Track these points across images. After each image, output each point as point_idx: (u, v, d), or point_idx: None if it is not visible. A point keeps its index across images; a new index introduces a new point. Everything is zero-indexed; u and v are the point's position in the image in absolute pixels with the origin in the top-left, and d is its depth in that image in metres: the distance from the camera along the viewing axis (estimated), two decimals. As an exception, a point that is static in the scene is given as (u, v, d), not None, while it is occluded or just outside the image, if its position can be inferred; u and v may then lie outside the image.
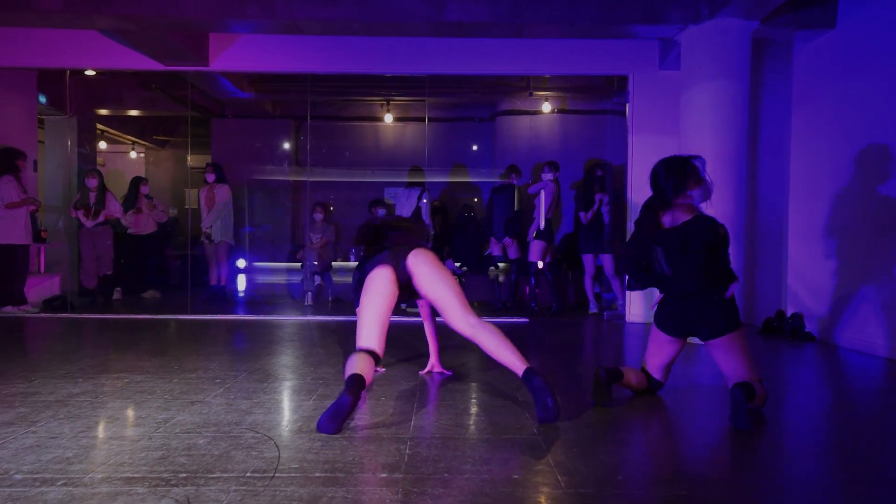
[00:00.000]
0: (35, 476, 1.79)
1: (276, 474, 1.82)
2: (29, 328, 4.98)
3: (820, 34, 4.63)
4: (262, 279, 7.78)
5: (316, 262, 7.17)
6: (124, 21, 4.54)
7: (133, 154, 10.20)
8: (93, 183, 6.46)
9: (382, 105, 7.96)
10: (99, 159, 9.75)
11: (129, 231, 7.00)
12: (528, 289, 6.29)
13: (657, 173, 2.66)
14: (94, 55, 5.58)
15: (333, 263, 7.43)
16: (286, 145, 8.34)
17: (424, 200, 6.87)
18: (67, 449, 2.02)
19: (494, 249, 6.63)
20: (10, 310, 5.72)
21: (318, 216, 7.48)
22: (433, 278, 2.60)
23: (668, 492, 1.76)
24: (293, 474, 1.83)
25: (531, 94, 7.16)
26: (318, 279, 7.25)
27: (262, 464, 1.91)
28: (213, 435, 2.18)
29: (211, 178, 7.05)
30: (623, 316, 5.75)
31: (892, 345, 3.87)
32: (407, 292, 2.71)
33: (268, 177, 7.79)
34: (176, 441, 2.11)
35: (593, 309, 6.19)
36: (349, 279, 7.88)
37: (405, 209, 7.15)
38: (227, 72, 5.84)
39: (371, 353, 2.45)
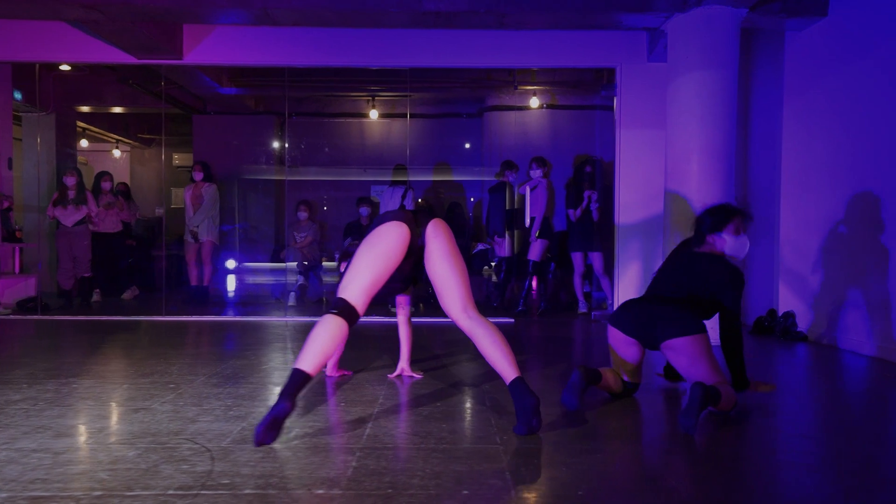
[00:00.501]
0: (-67, 495, 1.62)
1: (202, 491, 1.65)
2: (4, 329, 4.81)
3: (811, 22, 4.46)
4: (245, 279, 7.61)
5: (306, 262, 7.01)
6: (90, 11, 4.36)
7: (117, 153, 10.03)
8: (71, 181, 6.28)
9: (368, 101, 7.79)
10: (81, 158, 9.59)
11: (90, 229, 6.67)
12: (525, 287, 6.13)
13: (702, 212, 2.74)
14: (66, 48, 5.41)
15: (323, 263, 7.28)
16: (269, 142, 8.16)
17: (409, 200, 6.74)
18: (-19, 463, 1.85)
19: (499, 249, 6.44)
20: None
21: (303, 214, 7.32)
22: (447, 255, 2.31)
23: (632, 510, 1.59)
24: (220, 491, 1.66)
25: (516, 88, 6.98)
26: (300, 279, 7.08)
27: (190, 479, 1.74)
28: (146, 446, 2.01)
29: (199, 176, 6.88)
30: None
31: (883, 344, 3.70)
32: (410, 265, 2.43)
33: (251, 175, 7.62)
34: (104, 454, 1.94)
35: (583, 308, 6.03)
36: (335, 279, 7.74)
37: (389, 208, 7.03)
38: (201, 65, 5.66)
39: (348, 311, 2.15)
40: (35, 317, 5.56)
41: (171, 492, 1.65)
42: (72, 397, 2.64)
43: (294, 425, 2.25)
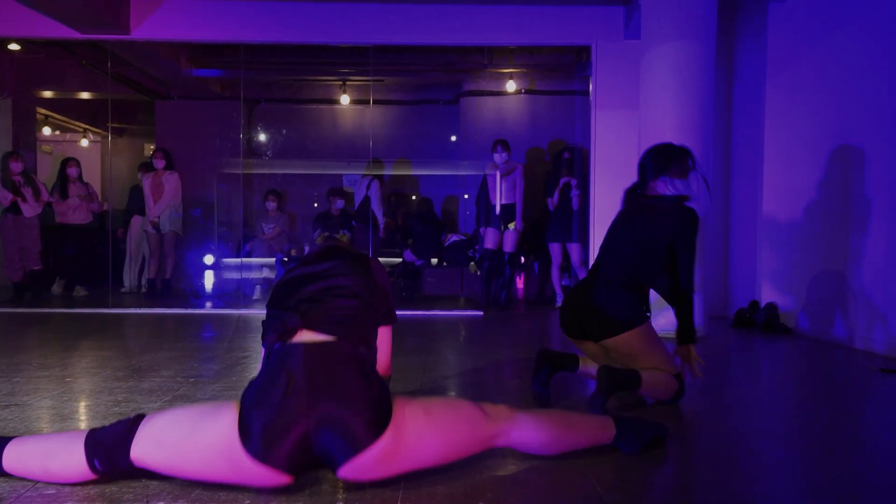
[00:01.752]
0: None
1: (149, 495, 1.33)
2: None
3: (795, -7, 4.15)
4: (212, 271, 7.27)
5: (286, 258, 6.70)
6: (16, -25, 4.03)
7: (85, 142, 9.67)
8: (17, 167, 5.95)
9: (340, 86, 7.46)
10: (45, 147, 9.24)
11: (56, 220, 6.23)
12: (502, 280, 5.82)
13: (642, 156, 2.44)
14: (3, 22, 5.07)
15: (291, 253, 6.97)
16: (237, 129, 7.82)
17: (372, 189, 6.48)
18: None
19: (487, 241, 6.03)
20: None
21: (271, 205, 7.01)
22: None
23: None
24: (175, 499, 1.34)
25: (488, 69, 6.64)
26: (265, 271, 6.76)
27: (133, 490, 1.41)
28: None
29: (160, 164, 6.54)
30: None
31: (865, 335, 3.39)
32: None
33: (217, 164, 7.27)
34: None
35: (560, 301, 5.72)
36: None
37: (359, 197, 6.77)
38: (150, 41, 5.32)
39: None
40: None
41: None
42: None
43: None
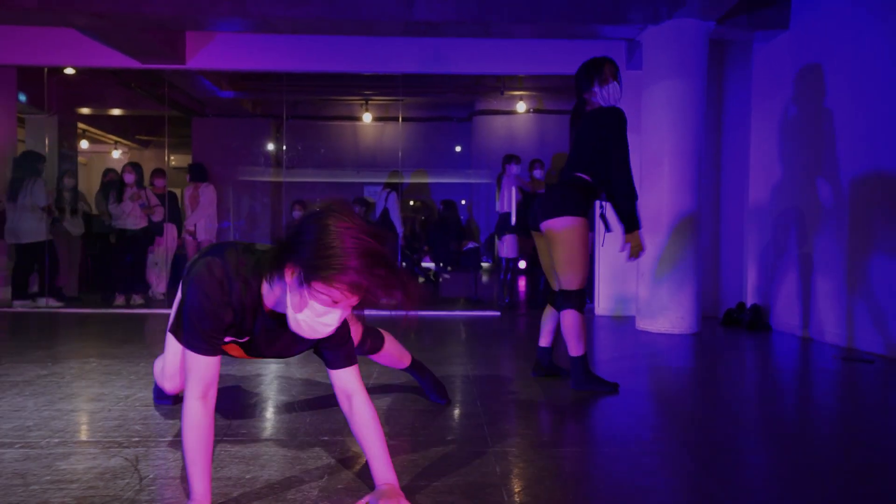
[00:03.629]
0: (-6, 440, 1.89)
1: (224, 438, 1.93)
2: (5, 321, 5.03)
3: (776, 34, 4.80)
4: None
5: None
6: (98, 19, 4.62)
7: (116, 154, 10.24)
8: (130, 178, 6.17)
9: (362, 105, 8.08)
10: (81, 159, 9.80)
11: (113, 224, 6.21)
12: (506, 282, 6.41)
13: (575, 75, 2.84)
14: (73, 53, 5.66)
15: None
16: (266, 144, 8.43)
17: (391, 201, 7.05)
18: (28, 419, 2.12)
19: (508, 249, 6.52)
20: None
21: (297, 214, 7.60)
22: None
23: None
24: (240, 438, 1.94)
25: (503, 94, 7.29)
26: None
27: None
28: (170, 409, 2.29)
29: (195, 178, 7.14)
30: (592, 309, 5.90)
31: (840, 332, 4.03)
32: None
33: (248, 176, 7.87)
34: (133, 413, 2.22)
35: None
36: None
37: (379, 209, 7.35)
38: (203, 70, 5.92)
39: None
40: (41, 309, 5.78)
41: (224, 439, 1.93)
42: (94, 373, 2.91)
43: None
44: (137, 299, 6.16)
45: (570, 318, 2.65)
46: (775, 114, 4.87)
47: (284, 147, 7.71)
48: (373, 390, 2.57)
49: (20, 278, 5.98)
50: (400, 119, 6.35)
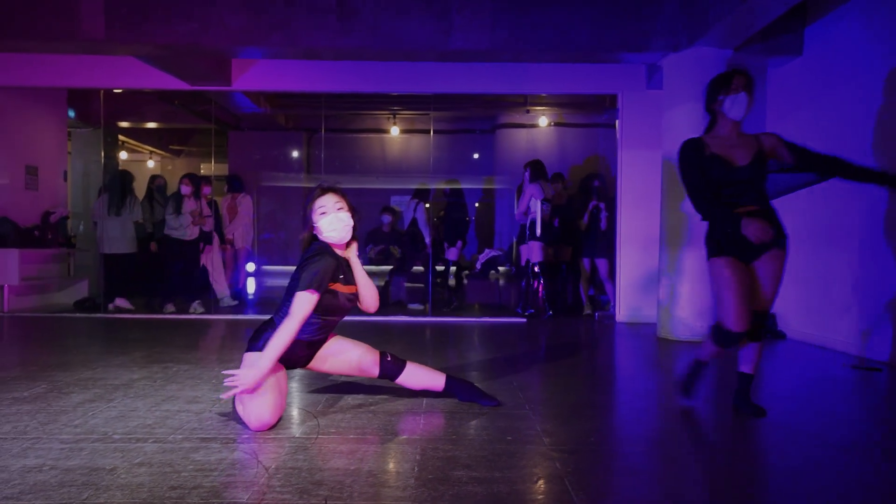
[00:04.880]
0: (129, 436, 2.26)
1: (321, 436, 2.29)
2: (67, 326, 5.45)
3: (789, 60, 5.10)
4: (276, 282, 8.22)
5: None
6: (160, 49, 5.02)
7: (151, 163, 10.69)
8: (187, 189, 6.32)
9: (389, 118, 8.45)
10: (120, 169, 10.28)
11: (169, 233, 6.32)
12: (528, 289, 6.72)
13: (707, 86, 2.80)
14: (126, 76, 6.07)
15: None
16: (298, 155, 8.83)
17: (420, 211, 7.39)
18: (147, 418, 2.49)
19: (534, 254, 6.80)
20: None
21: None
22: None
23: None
24: (333, 436, 2.30)
25: (528, 111, 7.64)
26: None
27: (308, 428, 2.38)
28: (261, 409, 2.65)
29: (234, 188, 7.52)
30: (613, 316, 6.22)
31: (851, 340, 4.33)
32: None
33: (281, 184, 8.28)
34: (233, 413, 2.58)
35: (588, 311, 6.65)
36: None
37: (408, 218, 7.69)
38: (247, 91, 6.32)
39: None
40: (96, 315, 6.20)
41: (297, 435, 2.29)
42: (180, 377, 3.28)
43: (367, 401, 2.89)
44: (198, 307, 6.28)
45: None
46: (788, 135, 5.16)
47: (316, 158, 8.06)
48: (426, 395, 2.92)
49: (116, 284, 6.44)
50: (431, 132, 6.71)
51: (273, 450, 2.14)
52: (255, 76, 6.09)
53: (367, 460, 2.05)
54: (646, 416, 2.78)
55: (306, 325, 2.44)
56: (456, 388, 2.78)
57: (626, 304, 6.07)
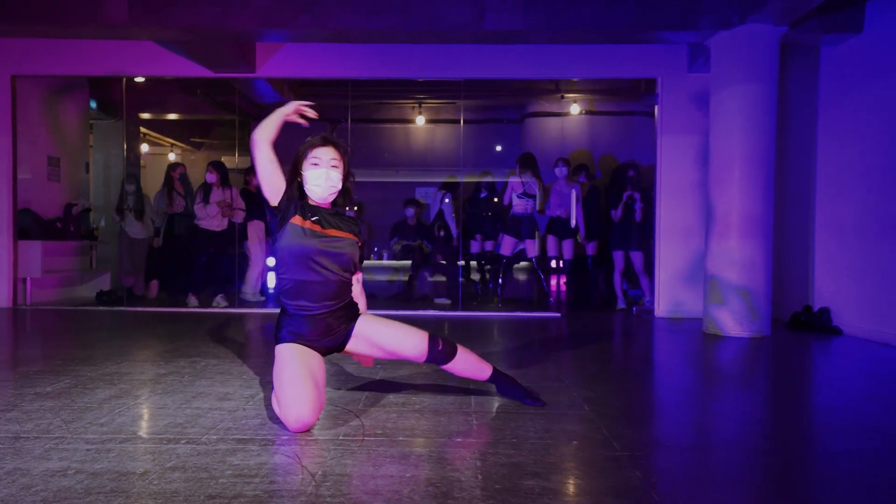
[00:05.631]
0: (159, 436, 2.07)
1: (367, 438, 2.09)
2: (89, 319, 5.32)
3: (846, 38, 4.78)
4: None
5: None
6: (184, 33, 4.84)
7: (172, 156, 10.59)
8: (212, 177, 6.16)
9: (414, 108, 8.22)
10: (141, 161, 10.19)
11: (198, 224, 6.13)
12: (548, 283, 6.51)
13: None
14: (148, 64, 5.92)
15: (365, 261, 7.69)
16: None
17: (447, 201, 7.18)
18: (177, 417, 2.30)
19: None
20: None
21: (350, 214, 7.77)
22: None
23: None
24: (380, 438, 2.09)
25: (563, 98, 7.36)
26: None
27: (351, 429, 2.17)
28: (298, 407, 2.45)
29: (256, 181, 7.34)
30: (652, 311, 5.95)
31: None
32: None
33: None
34: (267, 412, 2.39)
35: (621, 305, 6.39)
36: (381, 277, 8.18)
37: (434, 210, 7.49)
38: (272, 78, 6.13)
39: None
40: (118, 308, 6.08)
41: (341, 437, 2.08)
42: (208, 372, 3.10)
43: (399, 394, 2.68)
44: (221, 301, 6.09)
45: None
46: (845, 118, 4.86)
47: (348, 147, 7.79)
48: (472, 391, 2.70)
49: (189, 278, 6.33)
50: (461, 121, 6.48)
51: (317, 453, 1.94)
52: (279, 62, 5.90)
53: (422, 466, 1.84)
54: (720, 419, 2.54)
55: (287, 290, 2.30)
56: (500, 381, 2.55)
57: (666, 298, 5.80)
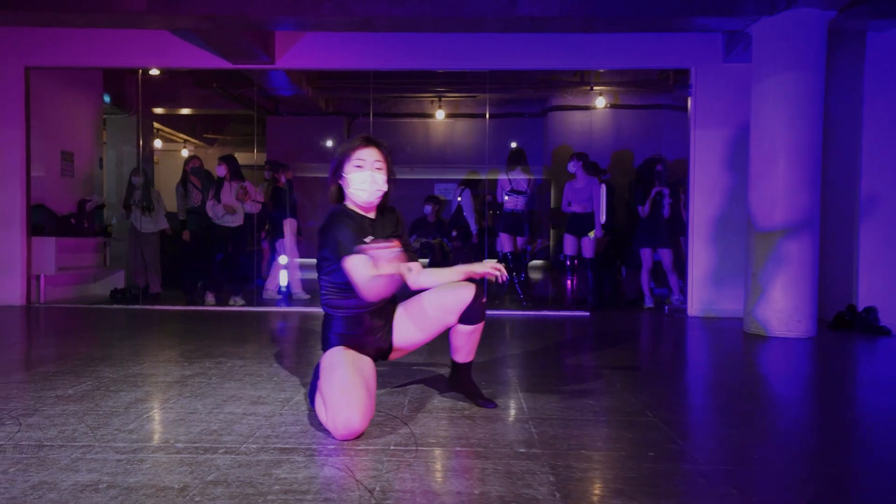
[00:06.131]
0: (195, 445, 1.89)
1: (420, 448, 1.90)
2: (106, 318, 5.17)
3: (894, 24, 4.56)
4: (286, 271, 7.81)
5: None
6: (203, 21, 4.68)
7: (185, 152, 10.45)
8: (222, 171, 5.97)
9: (433, 102, 8.04)
10: (154, 158, 10.06)
11: (214, 220, 5.91)
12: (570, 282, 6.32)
13: None
14: (165, 55, 5.75)
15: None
16: (338, 142, 8.48)
17: (460, 199, 7.00)
18: (210, 423, 2.13)
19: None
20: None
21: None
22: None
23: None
24: (434, 448, 1.90)
25: (592, 89, 7.15)
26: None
27: (401, 438, 1.99)
28: (339, 413, 2.27)
29: (269, 175, 7.18)
30: (684, 310, 5.74)
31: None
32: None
33: (321, 174, 7.91)
34: (308, 418, 2.21)
35: (648, 304, 6.18)
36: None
37: (454, 206, 7.31)
38: (291, 69, 5.97)
39: None
40: (133, 306, 5.93)
41: (392, 447, 1.90)
42: (236, 373, 2.93)
43: (453, 402, 2.49)
44: (238, 300, 5.89)
45: None
46: (892, 107, 4.63)
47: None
48: (522, 394, 2.51)
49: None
50: (487, 115, 6.27)
51: (369, 465, 1.75)
52: (299, 53, 5.72)
53: (490, 481, 1.65)
54: (810, 429, 2.33)
55: (350, 297, 2.16)
56: (465, 375, 2.42)
57: (700, 296, 5.58)
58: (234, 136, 10.55)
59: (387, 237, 2.24)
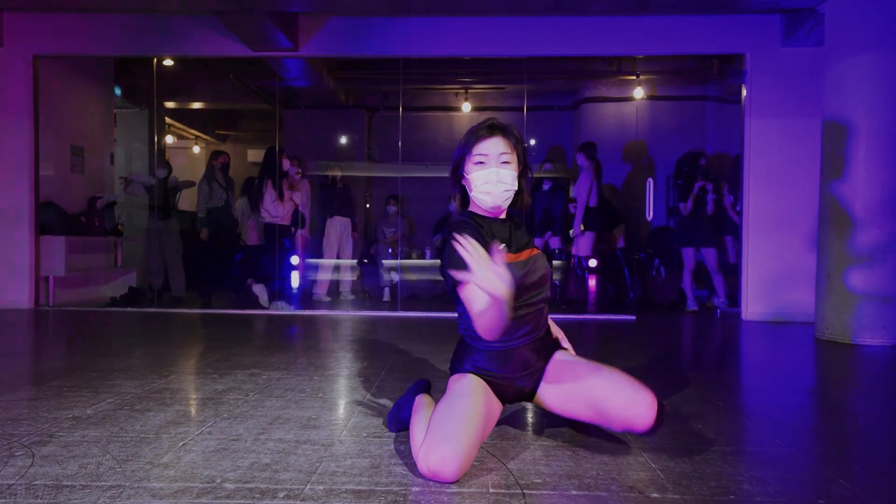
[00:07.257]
0: (247, 486, 1.53)
1: (525, 490, 1.53)
2: (119, 322, 4.83)
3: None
4: (332, 275, 7.53)
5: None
6: (227, 2, 4.33)
7: (196, 149, 10.13)
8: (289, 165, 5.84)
9: (458, 94, 7.67)
10: (166, 154, 9.73)
11: (264, 220, 5.73)
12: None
13: None
14: (181, 43, 5.41)
15: (406, 260, 7.17)
16: (359, 136, 8.12)
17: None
18: (259, 454, 1.77)
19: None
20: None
21: (392, 209, 7.26)
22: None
23: None
24: (543, 490, 1.53)
25: (638, 76, 6.75)
26: (395, 276, 6.99)
27: (500, 478, 1.62)
28: (405, 440, 1.91)
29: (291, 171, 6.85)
30: (738, 313, 5.36)
31: None
32: None
33: (340, 171, 7.55)
34: (373, 447, 1.84)
35: (691, 306, 5.82)
36: (421, 276, 7.63)
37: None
38: (315, 57, 5.61)
39: None
40: (148, 309, 5.59)
41: (492, 489, 1.53)
42: (274, 388, 2.57)
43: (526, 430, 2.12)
44: (282, 304, 5.58)
45: None
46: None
47: (380, 139, 7.31)
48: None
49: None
50: (525, 108, 5.90)
51: (472, 516, 1.39)
52: (324, 39, 5.36)
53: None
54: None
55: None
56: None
57: (756, 298, 5.20)
58: (247, 131, 10.21)
59: (520, 250, 1.79)
